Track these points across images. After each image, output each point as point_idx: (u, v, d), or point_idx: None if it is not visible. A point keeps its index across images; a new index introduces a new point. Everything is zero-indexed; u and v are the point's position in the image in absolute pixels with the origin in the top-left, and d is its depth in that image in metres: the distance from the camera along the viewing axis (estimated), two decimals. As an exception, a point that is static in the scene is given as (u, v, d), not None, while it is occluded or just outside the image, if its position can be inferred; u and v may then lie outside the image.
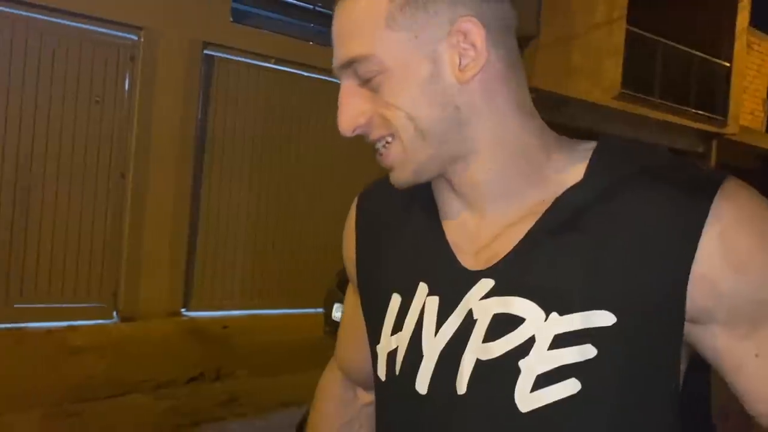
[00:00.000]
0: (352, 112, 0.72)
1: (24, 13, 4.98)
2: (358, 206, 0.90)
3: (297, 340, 5.29)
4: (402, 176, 0.73)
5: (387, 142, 0.72)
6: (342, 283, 4.79)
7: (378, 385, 0.80)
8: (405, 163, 0.72)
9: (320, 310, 5.07)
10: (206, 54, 5.82)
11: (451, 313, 0.72)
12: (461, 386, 0.70)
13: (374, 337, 0.80)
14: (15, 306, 5.04)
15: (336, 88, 0.77)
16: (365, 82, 0.71)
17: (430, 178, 0.75)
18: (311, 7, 6.33)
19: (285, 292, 6.36)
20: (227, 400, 4.03)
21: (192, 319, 5.74)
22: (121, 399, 3.98)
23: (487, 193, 0.73)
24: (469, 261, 0.73)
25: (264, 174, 6.23)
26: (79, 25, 5.20)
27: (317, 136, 6.47)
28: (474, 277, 0.72)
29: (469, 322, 0.70)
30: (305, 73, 6.32)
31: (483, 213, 0.74)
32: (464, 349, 0.70)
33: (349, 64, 0.72)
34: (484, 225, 0.74)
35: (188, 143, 5.73)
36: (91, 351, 4.68)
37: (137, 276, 5.52)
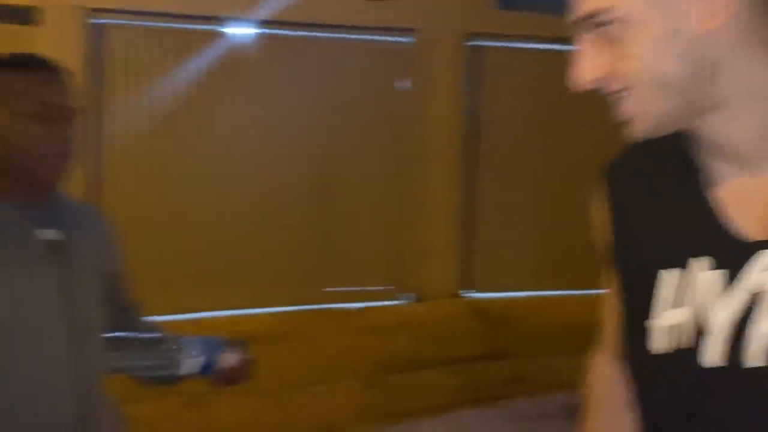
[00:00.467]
0: (590, 64, 0.73)
1: (309, 34, 5.67)
2: (607, 180, 0.88)
3: (580, 323, 5.23)
4: (640, 128, 0.72)
5: (624, 95, 0.71)
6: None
7: (646, 360, 0.80)
8: (643, 116, 0.71)
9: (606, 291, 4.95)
10: (474, 45, 6.01)
11: (736, 286, 0.70)
12: (750, 359, 0.68)
13: (642, 313, 0.79)
14: (323, 290, 5.79)
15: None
16: (604, 35, 0.71)
17: (670, 130, 0.72)
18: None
19: (567, 273, 6.30)
20: (514, 378, 4.18)
21: (474, 299, 6.01)
22: (416, 373, 4.37)
23: (753, 150, 0.69)
24: (747, 229, 0.70)
25: (539, 155, 6.23)
26: (359, 36, 5.76)
27: (596, 112, 6.28)
28: (755, 248, 0.69)
29: (755, 294, 0.68)
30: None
31: (754, 173, 0.70)
32: (752, 322, 0.68)
33: (590, 16, 0.72)
34: (756, 187, 0.70)
35: (462, 133, 5.99)
36: (388, 330, 5.19)
37: (421, 260, 5.93)
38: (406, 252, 5.94)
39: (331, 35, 5.67)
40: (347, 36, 5.71)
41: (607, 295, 0.96)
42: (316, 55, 5.68)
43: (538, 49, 6.11)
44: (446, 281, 6.03)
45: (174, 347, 1.30)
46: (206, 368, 1.33)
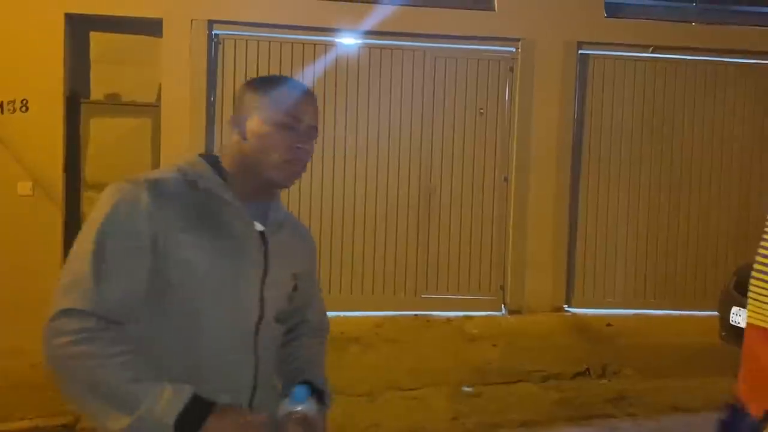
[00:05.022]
0: None
1: (421, 44, 5.75)
2: None
3: (687, 343, 4.99)
4: None
5: None
6: (740, 284, 4.35)
7: None
8: None
9: (712, 312, 4.69)
10: (581, 53, 5.88)
11: None
12: None
13: None
14: (422, 296, 5.84)
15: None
16: None
17: None
18: (692, -14, 5.89)
19: (671, 293, 6.03)
20: (615, 397, 4.04)
21: (575, 315, 5.86)
22: (513, 386, 4.31)
23: None
24: None
25: (643, 170, 6.01)
26: (465, 46, 5.78)
27: (706, 123, 5.99)
28: None
29: None
30: (688, 57, 5.90)
31: None
32: None
33: None
34: None
35: (566, 145, 5.87)
36: (484, 339, 5.16)
37: (522, 272, 5.86)
38: (508, 263, 5.91)
39: (435, 45, 5.73)
40: (451, 46, 5.74)
41: None
42: (420, 65, 5.77)
43: (645, 58, 5.90)
44: (549, 295, 5.91)
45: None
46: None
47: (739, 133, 6.04)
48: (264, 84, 1.39)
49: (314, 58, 5.66)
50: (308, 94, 1.41)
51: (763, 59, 6.00)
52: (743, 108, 6.05)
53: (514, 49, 5.83)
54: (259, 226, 1.39)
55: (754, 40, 5.91)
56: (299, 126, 1.37)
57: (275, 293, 1.40)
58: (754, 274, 1.55)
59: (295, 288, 1.49)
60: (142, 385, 1.14)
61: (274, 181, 1.39)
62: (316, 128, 1.42)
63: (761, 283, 1.51)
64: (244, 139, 1.36)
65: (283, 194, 1.59)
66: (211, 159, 1.41)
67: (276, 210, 1.47)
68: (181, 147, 5.44)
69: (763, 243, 1.56)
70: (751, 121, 6.06)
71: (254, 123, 1.35)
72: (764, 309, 1.51)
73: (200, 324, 1.28)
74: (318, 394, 1.46)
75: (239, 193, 1.37)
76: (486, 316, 5.74)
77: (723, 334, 4.40)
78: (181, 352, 1.27)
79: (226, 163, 1.40)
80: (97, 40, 5.58)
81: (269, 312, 1.39)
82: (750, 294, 1.54)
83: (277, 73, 5.61)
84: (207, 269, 1.28)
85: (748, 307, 1.55)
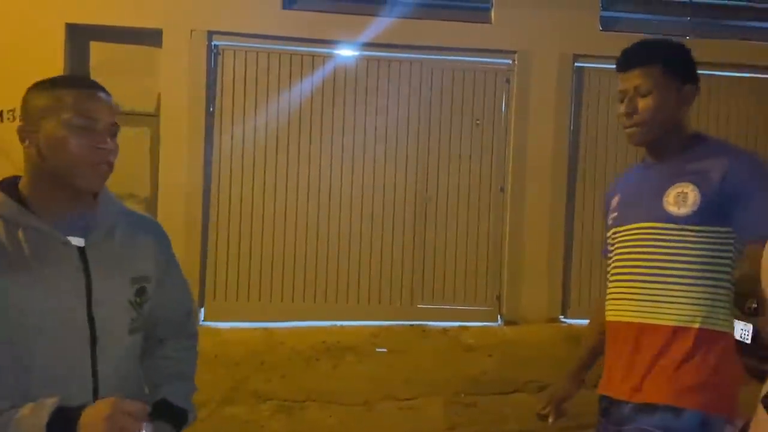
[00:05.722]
0: None
1: (419, 56, 5.80)
2: None
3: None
4: None
5: None
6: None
7: None
8: None
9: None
10: (577, 66, 5.94)
11: None
12: None
13: None
14: (418, 306, 5.86)
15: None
16: None
17: None
18: (687, 0, 5.96)
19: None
20: (610, 408, 4.05)
21: (570, 326, 5.88)
22: (509, 396, 4.33)
23: None
24: None
25: (639, 180, 6.05)
26: (463, 58, 5.83)
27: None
28: None
29: None
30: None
31: None
32: None
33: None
34: None
35: (562, 155, 5.91)
36: (480, 350, 5.18)
37: (518, 283, 5.89)
38: (504, 273, 5.92)
39: (433, 57, 5.78)
40: (449, 58, 5.79)
41: None
42: (417, 77, 5.82)
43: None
44: (544, 305, 5.93)
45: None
46: None
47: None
48: (47, 87, 1.30)
49: (313, 70, 5.71)
50: (98, 89, 1.32)
51: (757, 73, 6.07)
52: (737, 121, 6.10)
53: (510, 62, 5.88)
54: (77, 241, 1.30)
55: (749, 54, 5.98)
56: (96, 125, 1.29)
57: (109, 308, 1.32)
58: (648, 275, 1.73)
59: (141, 292, 1.39)
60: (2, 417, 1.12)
61: (82, 189, 1.30)
62: (116, 124, 1.33)
63: (657, 285, 1.71)
64: (38, 150, 1.28)
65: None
66: (6, 183, 1.33)
67: (104, 214, 1.37)
68: (179, 156, 5.48)
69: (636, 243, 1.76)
70: (744, 135, 6.11)
71: (46, 131, 1.27)
72: (663, 308, 1.71)
73: (31, 358, 1.23)
74: (175, 411, 1.40)
75: (48, 211, 1.28)
76: (482, 327, 5.75)
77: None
78: (13, 384, 1.22)
79: (24, 181, 1.31)
80: (97, 49, 5.62)
81: (106, 329, 1.31)
82: (650, 295, 1.73)
83: (264, 83, 5.66)
84: (22, 308, 1.21)
85: (634, 306, 1.75)
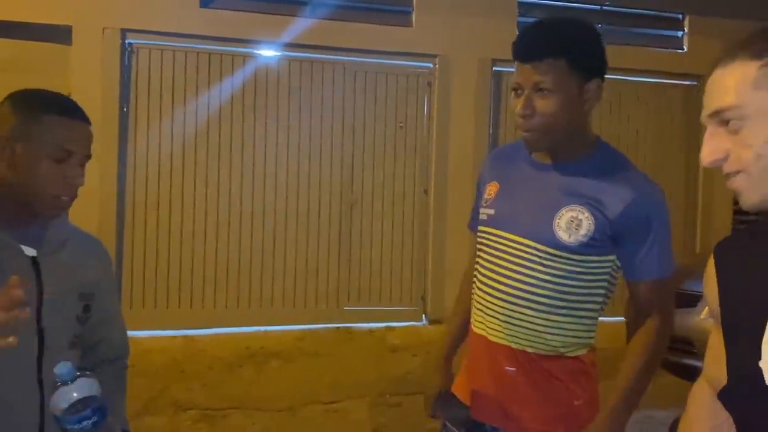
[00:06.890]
0: (713, 148, 0.92)
1: (341, 58, 5.79)
2: (715, 254, 1.05)
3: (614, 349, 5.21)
4: (749, 201, 0.91)
5: (736, 174, 0.90)
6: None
7: (757, 394, 0.90)
8: (751, 191, 0.89)
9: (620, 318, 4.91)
10: (495, 70, 6.08)
11: None
12: None
13: (751, 354, 0.91)
14: (344, 308, 5.84)
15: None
16: (726, 126, 0.89)
17: None
18: (598, 7, 6.21)
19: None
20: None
21: (492, 323, 6.01)
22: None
23: None
24: None
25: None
26: (384, 61, 5.86)
27: (611, 138, 6.28)
28: None
29: None
30: (612, 77, 6.20)
31: None
32: None
33: (718, 113, 0.90)
34: None
35: (482, 158, 6.01)
36: (406, 350, 5.21)
37: (441, 282, 5.96)
38: (429, 274, 5.98)
39: (355, 59, 5.78)
40: (371, 60, 5.81)
41: (711, 342, 1.07)
42: (340, 79, 5.81)
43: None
44: (465, 304, 6.02)
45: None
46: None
47: (644, 150, 6.39)
48: (33, 106, 1.29)
49: (232, 70, 5.60)
50: (82, 119, 1.34)
51: (662, 78, 6.40)
52: (646, 125, 6.41)
53: (431, 65, 5.96)
54: (30, 251, 1.29)
55: (655, 61, 6.30)
56: (71, 158, 1.29)
57: (58, 320, 1.31)
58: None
59: (87, 309, 1.39)
60: None
61: (40, 214, 1.30)
62: (89, 156, 1.35)
63: (530, 312, 1.60)
64: (7, 165, 1.26)
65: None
66: None
67: (56, 226, 1.36)
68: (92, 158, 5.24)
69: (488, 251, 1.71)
70: (653, 137, 6.43)
71: (19, 151, 1.25)
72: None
73: None
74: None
75: (3, 221, 1.27)
76: (407, 327, 5.80)
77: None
78: None
79: None
80: (1, 46, 5.32)
81: (54, 341, 1.30)
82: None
83: (181, 84, 5.51)
84: None
85: (502, 327, 1.65)
